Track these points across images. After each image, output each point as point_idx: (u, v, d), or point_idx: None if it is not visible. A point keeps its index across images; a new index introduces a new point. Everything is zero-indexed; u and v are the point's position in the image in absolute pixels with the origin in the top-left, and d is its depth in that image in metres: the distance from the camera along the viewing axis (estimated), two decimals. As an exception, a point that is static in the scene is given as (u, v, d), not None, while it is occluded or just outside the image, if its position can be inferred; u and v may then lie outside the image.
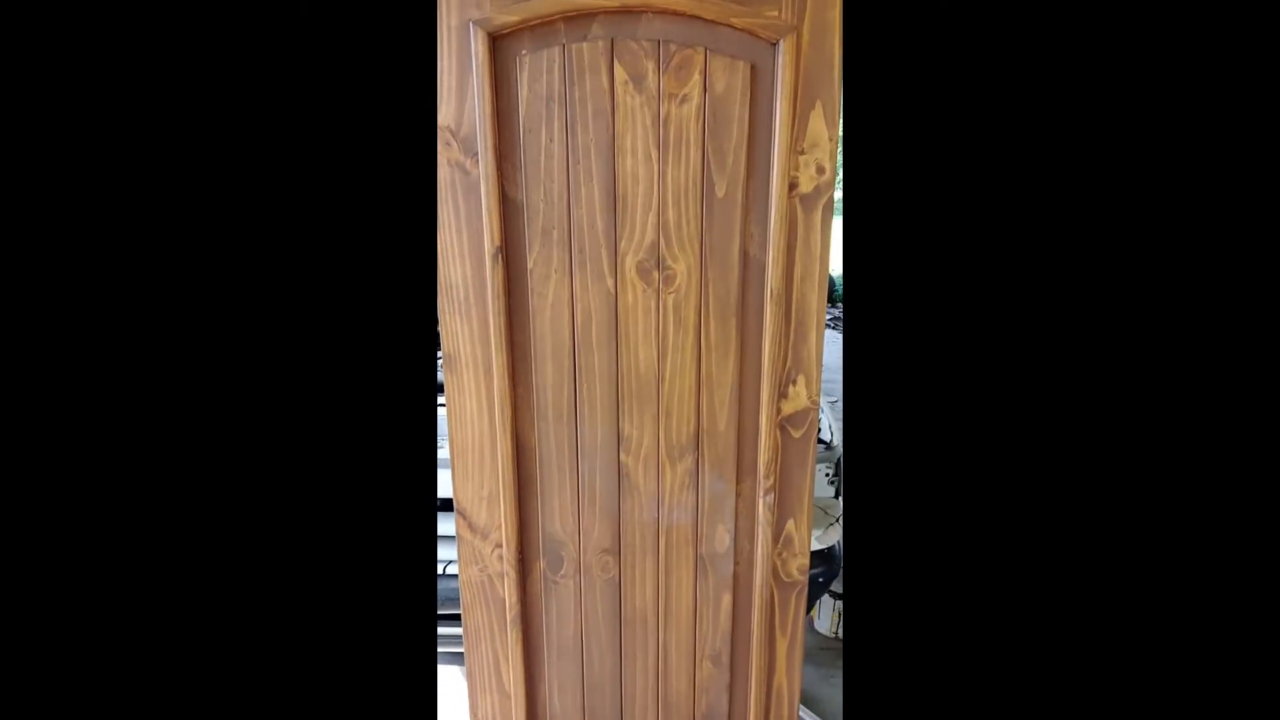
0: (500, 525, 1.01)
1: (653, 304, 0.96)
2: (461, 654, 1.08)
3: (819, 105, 0.91)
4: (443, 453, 1.37)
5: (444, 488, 1.29)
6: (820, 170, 0.93)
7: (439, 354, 2.23)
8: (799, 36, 0.88)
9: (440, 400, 1.75)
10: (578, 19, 0.87)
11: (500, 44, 0.87)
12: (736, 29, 0.88)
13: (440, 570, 1.33)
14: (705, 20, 0.88)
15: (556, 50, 0.88)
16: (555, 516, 1.03)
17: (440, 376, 2.11)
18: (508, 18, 0.85)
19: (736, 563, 1.06)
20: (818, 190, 0.93)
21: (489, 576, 1.03)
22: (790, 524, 1.05)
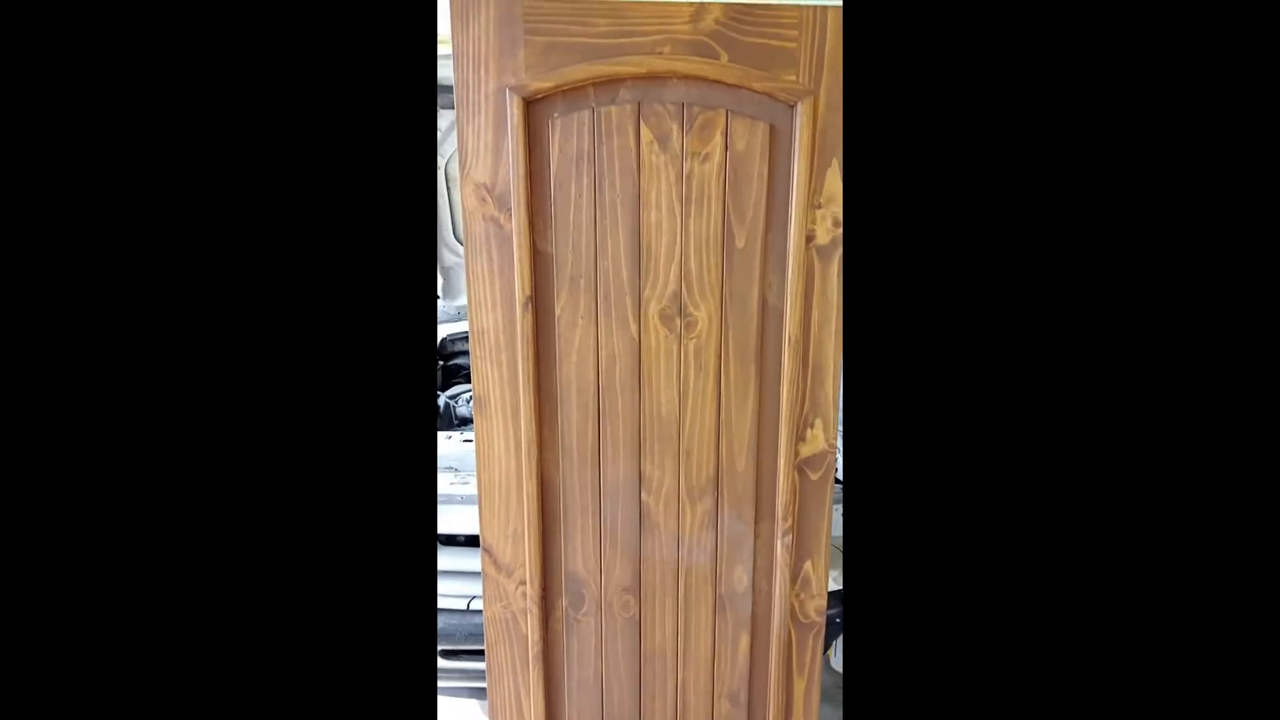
0: (524, 563, 1.04)
1: (674, 349, 1.00)
2: (484, 689, 1.10)
3: (835, 162, 0.95)
4: (473, 489, 1.40)
5: (475, 524, 1.33)
6: (836, 223, 0.97)
7: (456, 390, 2.27)
8: (816, 99, 0.93)
9: (467, 436, 1.79)
10: (607, 84, 0.93)
11: (534, 108, 0.93)
12: (756, 92, 0.93)
13: (465, 605, 1.36)
14: (727, 84, 0.93)
15: (586, 113, 0.93)
16: (578, 555, 1.05)
17: (457, 411, 2.15)
18: (541, 84, 0.91)
19: (755, 603, 1.08)
20: (834, 242, 0.97)
21: (513, 613, 1.06)
22: (808, 565, 1.07)
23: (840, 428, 1.09)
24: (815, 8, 0.93)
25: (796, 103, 0.93)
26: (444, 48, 1.01)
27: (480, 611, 1.14)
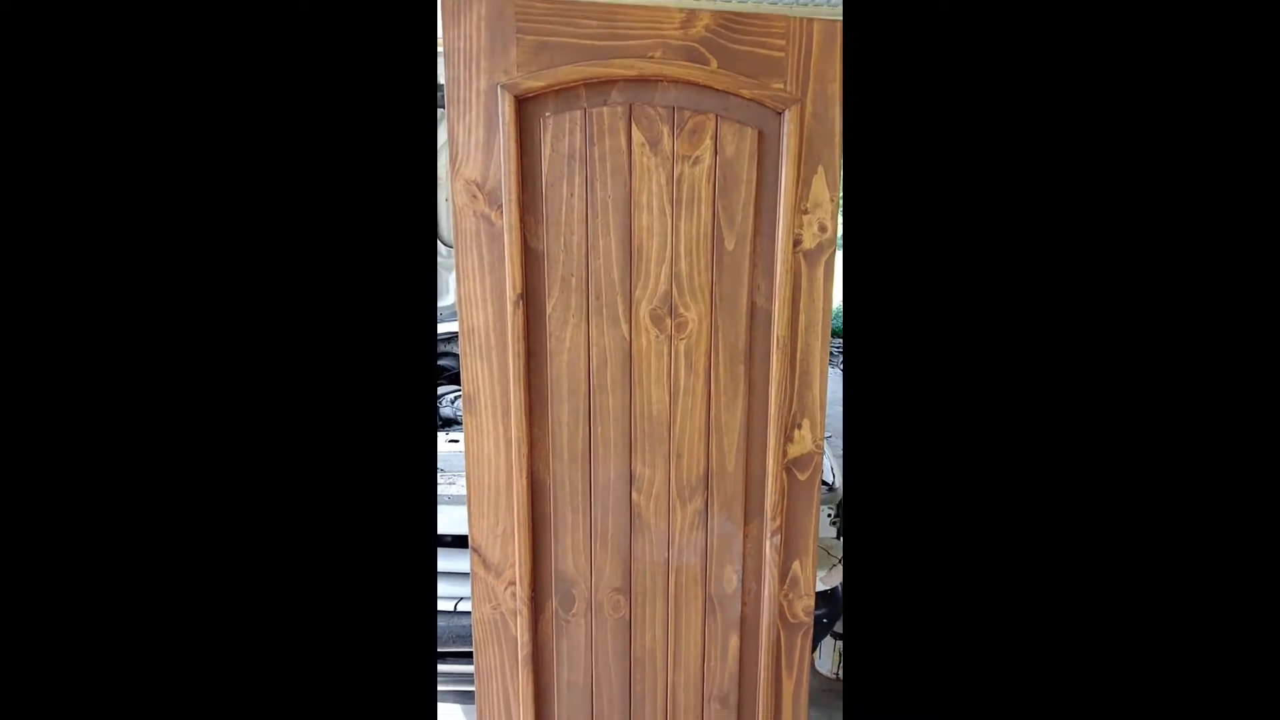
0: (514, 563, 1.03)
1: (665, 349, 1.01)
2: (471, 692, 1.09)
3: (821, 169, 0.97)
4: (459, 489, 1.39)
5: (461, 524, 1.32)
6: (823, 229, 0.99)
7: (440, 391, 2.25)
8: (803, 107, 0.95)
9: (452, 437, 1.77)
10: (598, 85, 0.94)
11: (525, 106, 0.94)
12: (745, 99, 0.95)
13: (452, 607, 1.35)
14: (716, 90, 0.95)
15: (578, 113, 0.94)
16: (568, 555, 1.05)
17: (440, 412, 2.14)
18: (533, 83, 0.92)
19: (744, 603, 1.09)
20: (820, 247, 0.99)
21: (502, 614, 1.05)
22: (796, 565, 1.08)
23: (840, 432, 1.09)
24: (803, 19, 0.95)
25: (784, 110, 0.95)
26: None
27: (468, 613, 1.13)
